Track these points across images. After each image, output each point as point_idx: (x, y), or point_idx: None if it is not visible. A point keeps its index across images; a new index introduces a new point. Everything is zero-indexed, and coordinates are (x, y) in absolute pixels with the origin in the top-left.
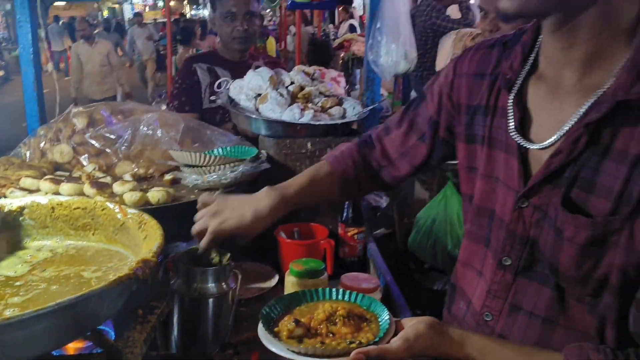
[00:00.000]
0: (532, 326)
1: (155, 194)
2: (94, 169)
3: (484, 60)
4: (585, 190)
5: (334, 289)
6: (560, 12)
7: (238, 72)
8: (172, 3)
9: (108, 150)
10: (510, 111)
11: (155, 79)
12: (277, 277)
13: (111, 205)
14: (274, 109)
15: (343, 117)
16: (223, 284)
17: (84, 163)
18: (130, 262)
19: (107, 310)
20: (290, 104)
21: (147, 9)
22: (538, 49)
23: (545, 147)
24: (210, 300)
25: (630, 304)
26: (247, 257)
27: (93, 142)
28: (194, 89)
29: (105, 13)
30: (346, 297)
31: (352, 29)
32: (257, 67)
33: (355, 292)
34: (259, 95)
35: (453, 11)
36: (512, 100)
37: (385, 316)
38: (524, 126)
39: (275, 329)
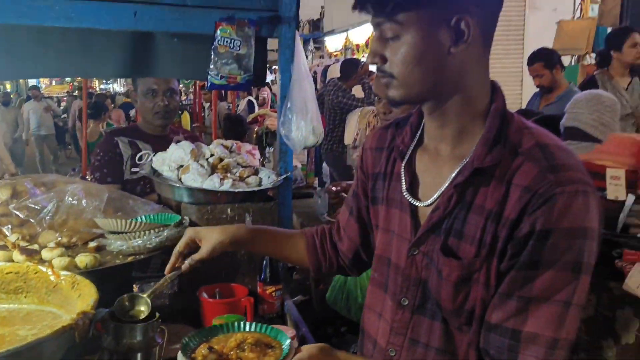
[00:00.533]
0: (428, 357)
1: (83, 259)
2: (18, 239)
3: (382, 137)
4: (457, 237)
5: (247, 322)
6: (433, 100)
7: (159, 145)
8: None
9: (32, 220)
10: (402, 176)
11: (60, 155)
12: None
13: (44, 269)
14: (196, 179)
15: (259, 185)
16: (151, 339)
17: (7, 233)
18: (64, 320)
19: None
20: (211, 174)
21: (53, 82)
22: (422, 127)
23: (429, 205)
24: (139, 354)
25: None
26: (170, 320)
27: (17, 212)
28: (115, 161)
29: (8, 86)
30: (257, 329)
31: (250, 104)
32: (178, 141)
33: (265, 325)
34: (181, 166)
35: (357, 91)
36: (403, 168)
37: (287, 342)
38: (413, 188)
39: (193, 356)
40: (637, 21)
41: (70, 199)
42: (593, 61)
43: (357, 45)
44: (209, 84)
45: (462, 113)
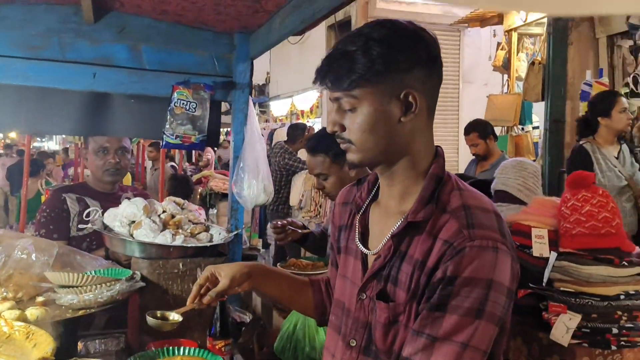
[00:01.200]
0: None
1: (34, 312)
2: None
3: (349, 193)
4: (394, 284)
5: (186, 347)
6: (385, 163)
7: (107, 202)
8: (13, 135)
9: None
10: (356, 226)
11: None
12: None
13: None
14: (148, 234)
15: (210, 241)
16: None
17: None
18: None
19: None
20: (162, 230)
21: None
22: (378, 185)
23: (374, 254)
24: None
25: None
26: None
27: None
28: (62, 217)
29: None
30: (195, 354)
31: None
32: (127, 197)
33: (203, 350)
34: (133, 222)
35: (303, 154)
36: (358, 220)
37: None
38: (364, 238)
39: None
40: (557, 96)
41: (19, 253)
42: (520, 132)
43: (302, 111)
44: (163, 143)
45: (407, 175)
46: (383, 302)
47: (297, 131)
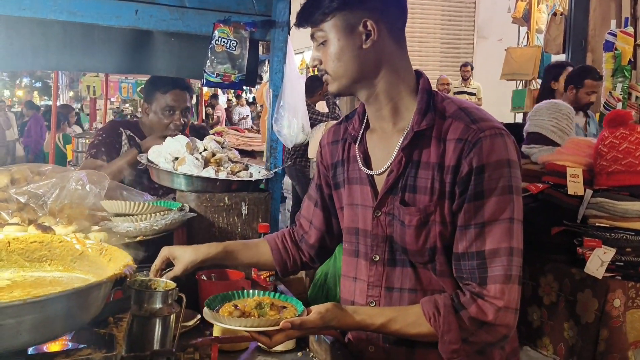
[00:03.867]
0: (403, 298)
1: (97, 235)
2: (19, 223)
3: (336, 132)
4: (412, 192)
5: (259, 290)
6: (363, 88)
7: None
8: (19, 93)
9: (32, 204)
10: (358, 154)
11: None
12: (198, 316)
13: (68, 238)
14: (192, 170)
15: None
16: (168, 307)
17: (7, 218)
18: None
19: (96, 309)
20: (205, 167)
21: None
22: (367, 114)
23: (384, 171)
24: (158, 320)
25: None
26: None
27: (18, 197)
28: (114, 147)
29: None
30: (269, 295)
31: None
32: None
33: (275, 292)
34: (177, 158)
35: (321, 106)
36: (357, 149)
37: (299, 305)
38: (367, 163)
39: (220, 311)
40: (578, 49)
41: (74, 184)
42: (539, 86)
43: (313, 67)
44: (204, 82)
45: (391, 94)
46: (413, 207)
47: (314, 83)
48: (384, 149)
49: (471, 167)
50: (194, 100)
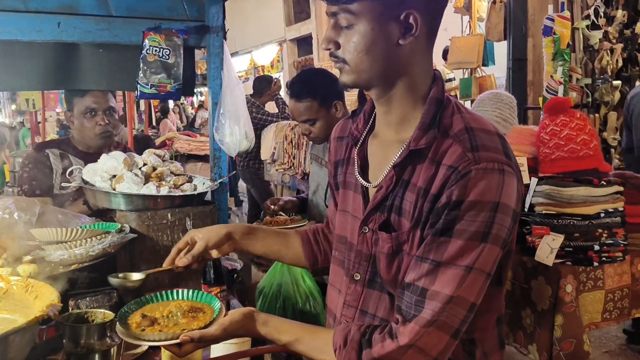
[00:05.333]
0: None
1: (26, 268)
2: None
3: (344, 127)
4: (397, 214)
5: (182, 290)
6: (380, 87)
7: (91, 162)
8: None
9: None
10: (355, 160)
11: None
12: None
13: None
14: (131, 188)
15: (195, 191)
16: (108, 339)
17: None
18: (20, 323)
19: (20, 355)
20: (145, 183)
21: None
22: (374, 116)
23: (376, 186)
24: (97, 355)
25: None
26: None
27: None
28: (44, 173)
29: None
30: (191, 297)
31: None
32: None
33: (198, 292)
34: (114, 176)
35: (270, 107)
36: (356, 153)
37: (217, 305)
38: (364, 171)
39: (127, 322)
40: (519, 35)
41: (0, 212)
42: (484, 73)
43: (262, 66)
44: (138, 94)
45: (405, 100)
46: (385, 232)
47: (262, 83)
48: (382, 159)
49: (449, 199)
50: (142, 107)
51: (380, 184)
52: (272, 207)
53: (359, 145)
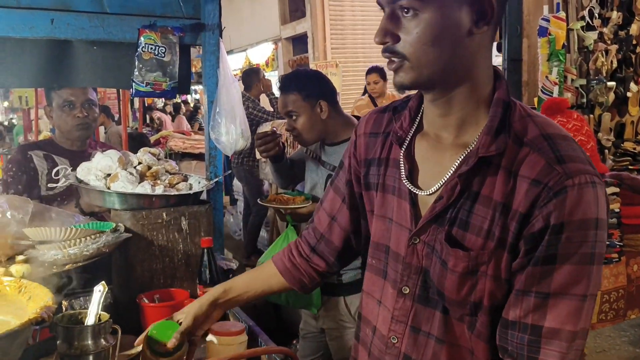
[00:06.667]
0: (428, 346)
1: (19, 268)
2: None
3: (377, 122)
4: (462, 228)
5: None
6: (441, 87)
7: (76, 160)
8: None
9: None
10: (401, 163)
11: None
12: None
13: None
14: (126, 186)
15: (190, 189)
16: (102, 340)
17: None
18: (13, 324)
19: (12, 358)
20: (140, 182)
21: None
22: (421, 113)
23: (431, 194)
24: (91, 357)
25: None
26: None
27: None
28: (30, 176)
29: None
30: None
31: None
32: (96, 154)
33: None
34: (109, 175)
35: (264, 102)
36: (402, 154)
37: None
38: (412, 175)
39: None
40: (514, 35)
41: None
42: None
43: (257, 65)
44: (133, 92)
45: (468, 102)
46: (461, 250)
47: (250, 76)
48: (436, 164)
49: (547, 223)
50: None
51: (440, 193)
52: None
53: (404, 147)
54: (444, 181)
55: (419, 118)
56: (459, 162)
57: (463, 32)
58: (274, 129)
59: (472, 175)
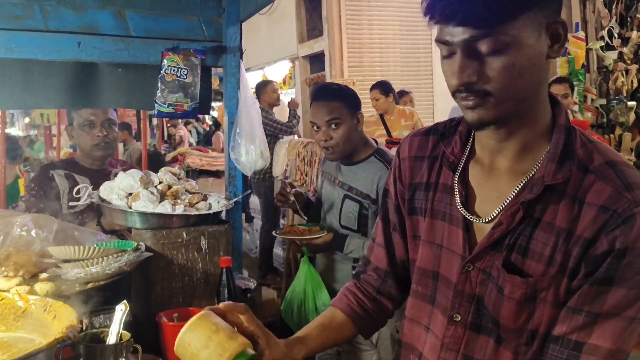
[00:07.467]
0: None
1: (43, 286)
2: None
3: (421, 145)
4: (521, 254)
5: None
6: (518, 116)
7: (97, 179)
8: None
9: None
10: (456, 189)
11: None
12: None
13: (10, 295)
14: (147, 206)
15: (210, 209)
16: (124, 359)
17: None
18: (38, 343)
19: None
20: (161, 201)
21: None
22: (473, 138)
23: (488, 221)
24: None
25: None
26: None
27: None
28: (52, 194)
29: None
30: None
31: None
32: (116, 173)
33: None
34: (130, 194)
35: (279, 113)
36: (457, 180)
37: None
38: (467, 201)
39: None
40: None
41: (18, 230)
42: None
43: (275, 82)
44: (156, 112)
45: (531, 127)
46: (519, 276)
47: (261, 87)
48: (493, 190)
49: (612, 247)
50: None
51: (499, 220)
52: (288, 189)
53: (458, 172)
54: (501, 207)
55: (470, 142)
56: (518, 188)
57: (544, 59)
58: (288, 181)
59: (535, 203)
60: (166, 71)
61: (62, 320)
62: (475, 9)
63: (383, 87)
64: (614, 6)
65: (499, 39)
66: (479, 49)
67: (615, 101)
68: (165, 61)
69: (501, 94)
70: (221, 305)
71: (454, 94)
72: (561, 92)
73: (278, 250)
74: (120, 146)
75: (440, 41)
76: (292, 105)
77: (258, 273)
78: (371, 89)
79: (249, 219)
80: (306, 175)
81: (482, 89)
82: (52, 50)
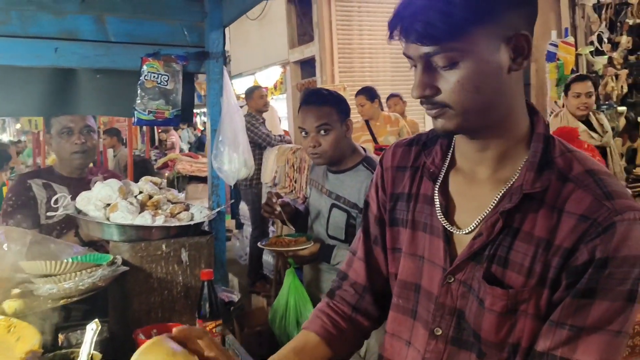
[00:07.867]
0: None
1: (12, 304)
2: None
3: (404, 156)
4: (502, 266)
5: None
6: (485, 126)
7: (76, 188)
8: None
9: None
10: (436, 199)
11: None
12: None
13: None
14: (126, 217)
15: (192, 220)
16: None
17: None
18: None
19: None
20: (141, 212)
21: None
22: (454, 148)
23: (469, 232)
24: None
25: None
26: None
27: None
28: (29, 205)
29: None
30: None
31: None
32: (96, 181)
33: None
34: (108, 205)
35: (269, 123)
36: (437, 190)
37: None
38: (447, 211)
39: None
40: None
41: None
42: None
43: (266, 88)
44: (135, 120)
45: (506, 137)
46: (499, 288)
47: (250, 92)
48: (473, 200)
49: (592, 257)
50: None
51: (479, 230)
52: (274, 200)
53: (438, 183)
54: (482, 217)
55: (450, 152)
56: (498, 198)
57: (504, 72)
58: (276, 191)
59: (514, 212)
60: (146, 77)
61: (25, 342)
62: (425, 28)
63: (368, 93)
64: (603, 11)
65: (451, 55)
66: (436, 64)
67: (605, 106)
68: (144, 67)
69: (458, 106)
70: (175, 331)
71: (420, 103)
72: (584, 91)
73: (268, 258)
74: (110, 152)
75: (405, 55)
76: (263, 103)
77: (247, 281)
78: (356, 95)
79: (239, 226)
80: (295, 181)
81: (440, 101)
82: (31, 56)
